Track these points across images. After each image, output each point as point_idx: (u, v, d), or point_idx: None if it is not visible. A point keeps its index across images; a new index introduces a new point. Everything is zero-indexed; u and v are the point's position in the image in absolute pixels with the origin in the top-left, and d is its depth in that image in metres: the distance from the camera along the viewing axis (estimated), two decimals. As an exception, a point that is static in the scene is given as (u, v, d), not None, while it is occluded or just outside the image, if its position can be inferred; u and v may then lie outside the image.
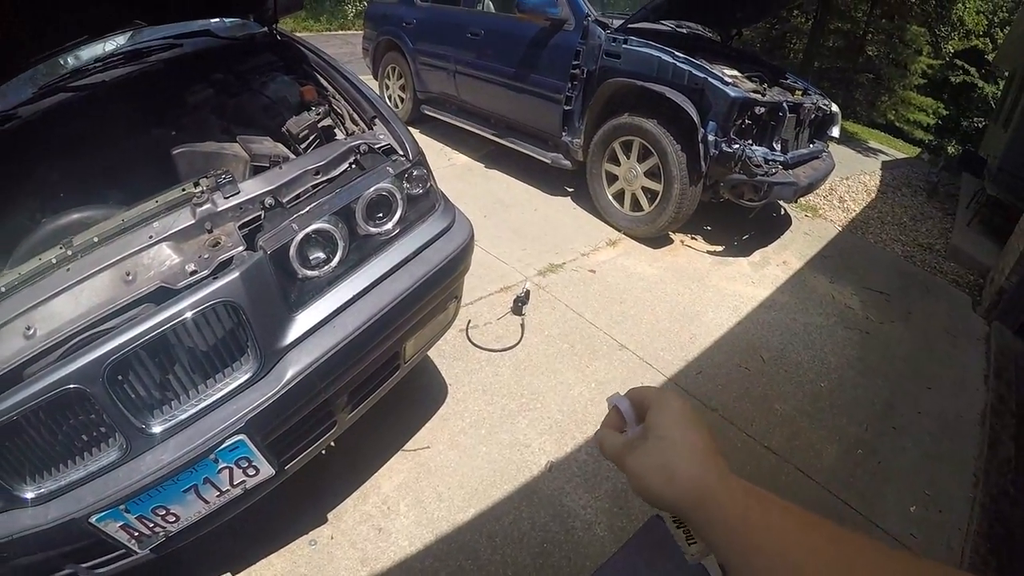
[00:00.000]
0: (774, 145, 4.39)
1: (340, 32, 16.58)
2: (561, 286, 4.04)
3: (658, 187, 4.44)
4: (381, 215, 1.97)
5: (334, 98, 2.57)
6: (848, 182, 7.69)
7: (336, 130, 2.47)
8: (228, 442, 1.70)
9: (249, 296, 1.66)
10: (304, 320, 1.81)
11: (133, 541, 1.72)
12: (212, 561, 2.23)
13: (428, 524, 2.39)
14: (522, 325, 3.53)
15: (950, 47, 17.89)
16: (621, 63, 4.52)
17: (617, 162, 4.73)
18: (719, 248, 4.86)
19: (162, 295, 1.66)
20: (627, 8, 5.37)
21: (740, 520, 0.55)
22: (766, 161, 4.20)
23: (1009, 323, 4.39)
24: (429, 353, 2.71)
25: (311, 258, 1.82)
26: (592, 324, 3.68)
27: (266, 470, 1.82)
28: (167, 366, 1.67)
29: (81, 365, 1.52)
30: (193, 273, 1.66)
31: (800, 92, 4.81)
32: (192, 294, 1.61)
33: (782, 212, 5.91)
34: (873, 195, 7.47)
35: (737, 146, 4.07)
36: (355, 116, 2.41)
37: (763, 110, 4.14)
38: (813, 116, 4.73)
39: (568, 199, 5.50)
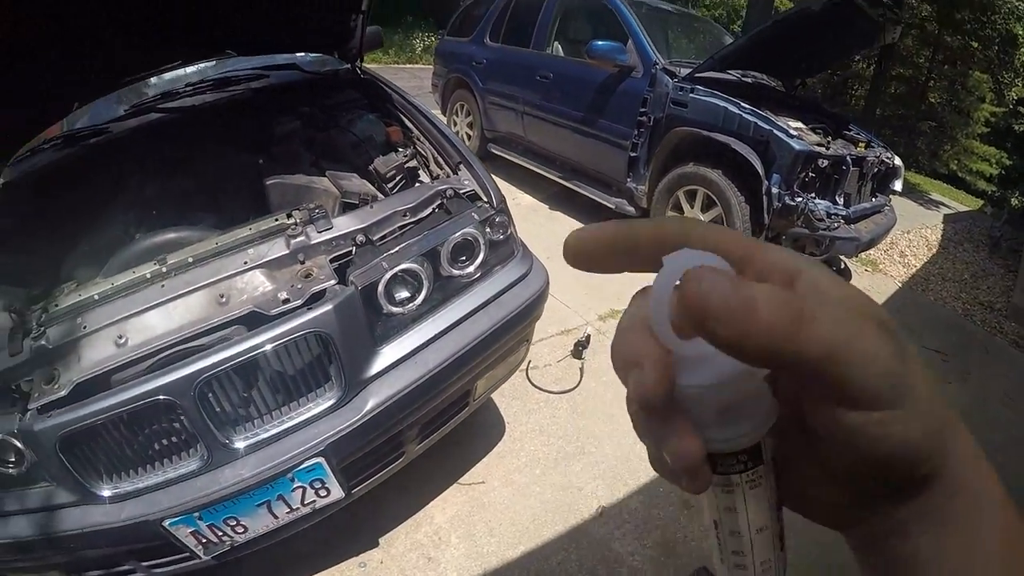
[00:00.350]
0: (837, 199, 4.36)
1: (408, 65, 16.93)
2: (622, 333, 4.04)
3: (720, 238, 4.42)
4: (464, 258, 2.05)
5: (418, 140, 2.68)
6: (909, 236, 7.57)
7: (421, 172, 2.58)
8: (306, 463, 1.78)
9: (340, 328, 1.74)
10: (388, 354, 1.89)
11: (200, 547, 1.80)
12: (264, 573, 2.31)
13: (477, 558, 2.43)
14: (581, 369, 3.56)
15: (1014, 94, 17.48)
16: (688, 112, 4.58)
17: (681, 210, 4.75)
18: (777, 300, 4.81)
19: (253, 319, 1.75)
20: (693, 56, 5.43)
21: (1000, 508, 0.32)
22: (828, 215, 4.18)
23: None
24: (489, 391, 2.78)
25: (396, 296, 1.91)
26: (651, 371, 3.66)
27: (336, 493, 1.90)
28: (254, 386, 1.77)
29: (175, 379, 1.62)
30: (286, 301, 1.75)
31: (863, 144, 4.79)
32: (286, 322, 1.71)
33: (842, 266, 5.85)
34: (934, 250, 7.34)
35: (800, 199, 4.07)
36: (440, 160, 2.51)
37: (827, 163, 4.13)
38: (876, 169, 4.71)
39: (631, 245, 5.49)
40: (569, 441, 3.06)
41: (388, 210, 2.00)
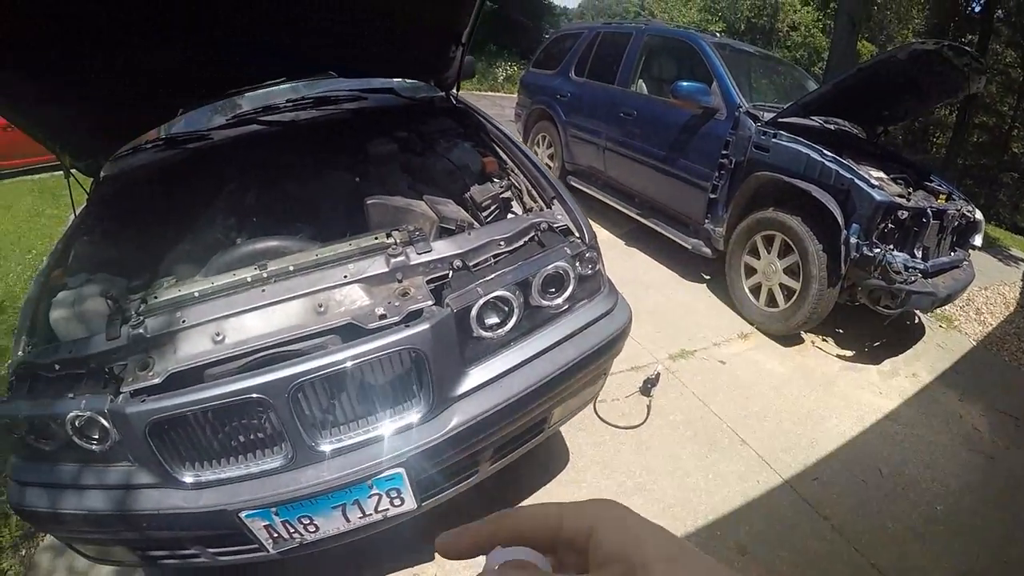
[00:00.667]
0: (915, 251, 4.29)
1: (489, 93, 17.26)
2: (690, 373, 4.08)
3: (796, 285, 4.42)
4: (553, 290, 2.11)
5: (512, 172, 2.77)
6: (987, 293, 7.31)
7: (514, 203, 2.67)
8: (387, 473, 1.86)
9: (434, 347, 1.83)
10: (475, 376, 1.97)
11: (270, 541, 1.90)
12: (317, 574, 2.40)
13: (529, 583, 2.47)
14: (648, 406, 3.59)
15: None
16: (769, 156, 4.58)
17: (757, 255, 4.74)
18: (849, 353, 4.76)
19: (349, 331, 1.85)
20: (775, 99, 5.45)
21: None
22: (906, 268, 4.10)
23: None
24: (558, 420, 2.81)
25: (487, 320, 1.99)
26: (717, 415, 3.69)
27: (410, 503, 1.98)
28: (347, 393, 1.86)
29: (272, 379, 1.72)
30: (382, 317, 1.84)
31: (944, 197, 4.69)
32: (382, 336, 1.79)
33: (916, 320, 5.71)
34: (1012, 308, 7.07)
35: (878, 250, 4.02)
36: (533, 193, 2.59)
37: (907, 215, 4.07)
38: (956, 223, 4.61)
39: (704, 286, 5.52)
40: (630, 476, 3.09)
41: (485, 238, 2.08)
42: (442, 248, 2.02)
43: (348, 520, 1.94)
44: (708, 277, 5.63)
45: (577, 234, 2.27)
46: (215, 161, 3.10)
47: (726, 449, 3.42)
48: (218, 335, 1.82)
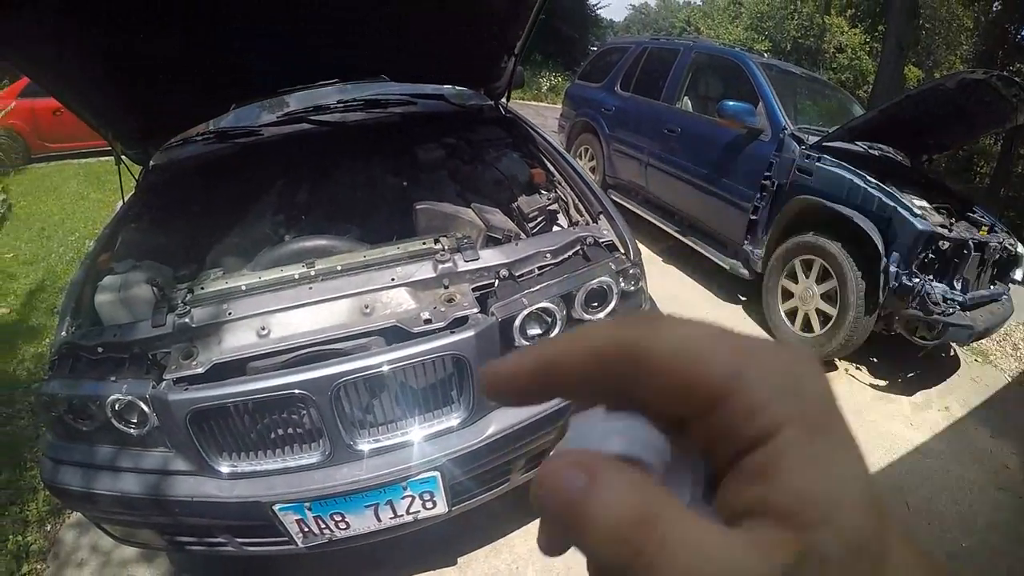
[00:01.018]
0: (955, 283, 4.22)
1: (532, 102, 17.35)
2: (725, 395, 4.02)
3: (832, 311, 4.37)
4: (596, 304, 2.12)
5: (560, 184, 2.78)
6: (1024, 328, 7.23)
7: (560, 216, 2.67)
8: (422, 475, 1.88)
9: (477, 354, 1.84)
10: (515, 385, 1.97)
11: (300, 535, 1.93)
12: (338, 572, 2.43)
13: (551, 594, 2.44)
14: (680, 421, 3.55)
15: None
16: (812, 180, 4.54)
17: (795, 279, 4.69)
18: (882, 383, 4.69)
19: (393, 334, 1.87)
20: (819, 122, 5.41)
21: None
22: (944, 299, 4.04)
23: None
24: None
25: (529, 331, 2.00)
26: (746, 439, 3.63)
27: (441, 507, 2.00)
28: (387, 394, 1.89)
29: (316, 376, 1.74)
30: (427, 321, 1.86)
31: (986, 229, 4.61)
32: (427, 341, 1.81)
33: (952, 353, 5.61)
34: (1050, 345, 6.98)
35: (917, 280, 3.96)
36: (580, 206, 2.60)
37: (948, 246, 4.01)
38: (997, 256, 4.53)
39: (739, 308, 5.48)
40: (661, 491, 3.07)
41: (532, 249, 2.10)
42: (489, 257, 2.05)
43: (379, 520, 1.96)
44: (744, 299, 5.58)
45: (622, 250, 2.28)
46: (264, 157, 3.15)
47: (755, 473, 3.36)
48: (263, 329, 1.85)
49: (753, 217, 4.97)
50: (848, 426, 0.27)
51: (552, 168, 2.90)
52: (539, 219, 2.60)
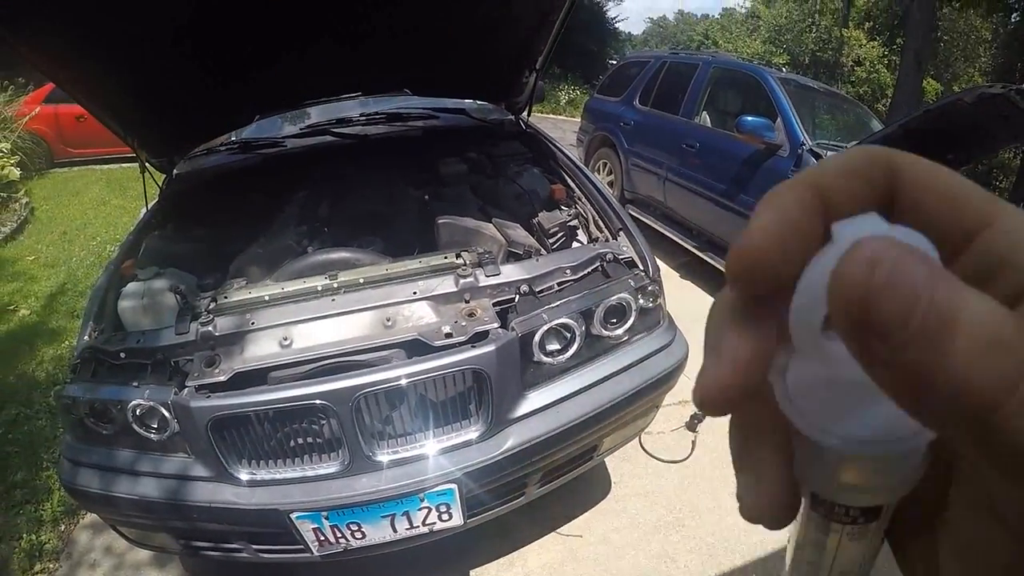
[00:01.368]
0: None
1: (551, 116, 17.34)
2: (738, 412, 4.01)
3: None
4: (615, 320, 2.13)
5: (580, 200, 2.79)
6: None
7: (579, 232, 2.69)
8: (440, 487, 1.89)
9: (498, 368, 1.85)
10: (533, 399, 1.99)
11: (316, 543, 1.94)
12: None
13: (561, 608, 2.44)
14: (693, 442, 3.55)
15: None
16: (829, 196, 4.51)
17: (812, 296, 4.64)
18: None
19: (414, 347, 1.89)
20: (838, 136, 5.40)
21: None
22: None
23: None
24: (602, 449, 2.81)
25: (548, 346, 2.01)
26: (760, 456, 3.62)
27: (457, 519, 2.00)
28: (407, 406, 1.90)
29: (338, 388, 1.76)
30: (449, 335, 1.87)
31: None
32: (448, 355, 1.82)
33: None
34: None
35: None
36: (600, 223, 2.61)
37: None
38: None
39: (758, 326, 5.41)
40: (671, 511, 3.05)
41: (552, 265, 2.11)
42: (510, 272, 2.06)
43: (395, 530, 1.96)
44: (762, 317, 5.51)
45: (641, 267, 2.28)
46: (287, 168, 3.18)
47: (768, 492, 3.35)
48: (286, 340, 1.87)
49: (771, 233, 4.91)
50: None
51: (572, 184, 2.91)
52: (559, 235, 2.61)
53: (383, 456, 1.88)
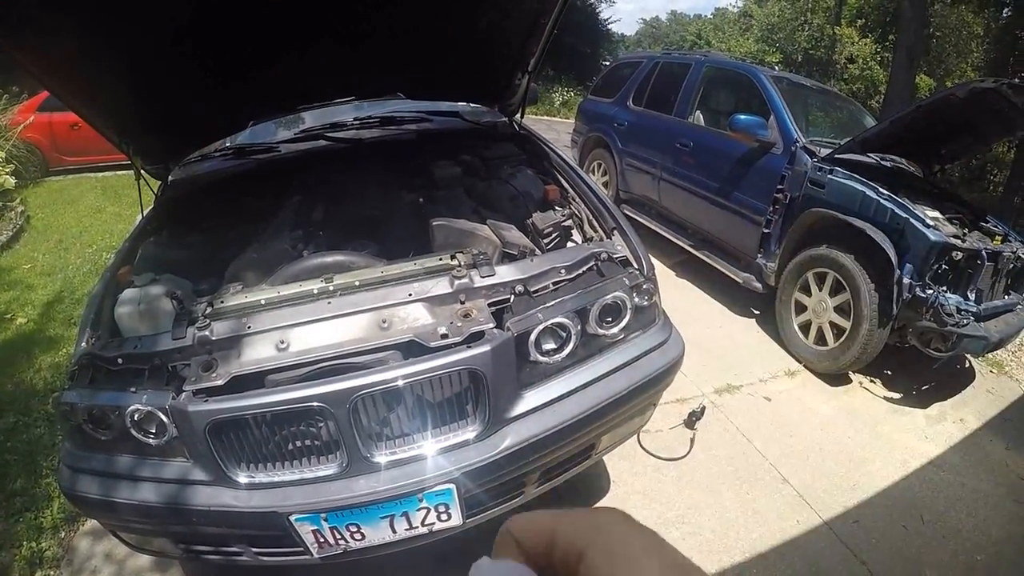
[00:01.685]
0: (968, 294, 4.18)
1: (545, 117, 17.40)
2: (735, 408, 4.06)
3: (846, 324, 4.36)
4: (610, 319, 2.14)
5: (574, 200, 2.80)
6: (1039, 338, 7.16)
7: (574, 231, 2.70)
8: (438, 488, 1.89)
9: (494, 369, 1.86)
10: (530, 399, 2.00)
11: (315, 546, 1.94)
12: None
13: (559, 608, 2.47)
14: (692, 439, 3.57)
15: None
16: (824, 193, 4.55)
17: (808, 292, 4.69)
18: (897, 395, 4.66)
19: (410, 348, 1.89)
20: (831, 134, 5.43)
21: None
22: (958, 311, 4.00)
23: None
24: (602, 448, 2.82)
25: (544, 346, 2.02)
26: (760, 452, 3.66)
27: (456, 519, 2.00)
28: (404, 407, 1.90)
29: (334, 390, 1.76)
30: (444, 336, 1.88)
31: (1000, 238, 4.61)
32: (444, 356, 1.83)
33: (967, 365, 5.58)
34: (1065, 355, 6.92)
35: (931, 291, 3.94)
36: (594, 222, 2.62)
37: (961, 256, 4.00)
38: (1011, 266, 4.50)
39: (753, 321, 5.47)
40: (670, 508, 3.08)
41: (547, 265, 2.11)
42: (505, 273, 2.06)
43: (394, 531, 1.96)
44: (757, 312, 5.57)
45: (636, 265, 2.29)
46: (282, 173, 3.19)
47: (766, 486, 3.39)
48: (282, 343, 1.87)
49: (766, 230, 4.98)
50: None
51: (566, 184, 2.92)
52: (554, 235, 2.61)
53: (381, 457, 1.88)
